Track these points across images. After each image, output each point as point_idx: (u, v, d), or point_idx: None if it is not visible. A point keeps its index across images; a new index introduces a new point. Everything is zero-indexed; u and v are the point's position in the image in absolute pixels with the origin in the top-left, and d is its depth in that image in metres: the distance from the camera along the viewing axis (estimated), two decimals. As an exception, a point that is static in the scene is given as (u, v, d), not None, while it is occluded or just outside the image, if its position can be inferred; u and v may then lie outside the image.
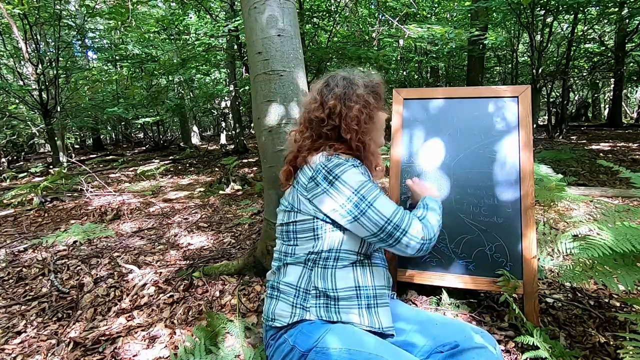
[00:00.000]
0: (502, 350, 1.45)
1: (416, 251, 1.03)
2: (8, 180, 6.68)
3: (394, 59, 6.78)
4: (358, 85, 1.12)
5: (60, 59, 7.61)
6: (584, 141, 7.49)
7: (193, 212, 3.87)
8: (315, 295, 1.03)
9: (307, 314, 1.01)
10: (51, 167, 7.27)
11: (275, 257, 1.16)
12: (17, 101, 8.42)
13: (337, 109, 1.10)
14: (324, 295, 1.03)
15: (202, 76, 11.32)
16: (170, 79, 10.35)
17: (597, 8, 7.18)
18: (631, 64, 10.33)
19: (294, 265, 1.07)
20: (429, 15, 8.87)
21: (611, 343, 1.48)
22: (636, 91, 15.98)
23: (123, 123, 13.62)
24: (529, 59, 7.97)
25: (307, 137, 1.13)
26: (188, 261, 2.52)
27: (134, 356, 1.58)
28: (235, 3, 6.91)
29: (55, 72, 7.32)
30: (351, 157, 1.11)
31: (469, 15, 7.48)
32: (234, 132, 10.13)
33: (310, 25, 7.05)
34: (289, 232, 1.10)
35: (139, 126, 13.88)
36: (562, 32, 9.02)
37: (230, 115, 10.48)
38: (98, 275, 2.37)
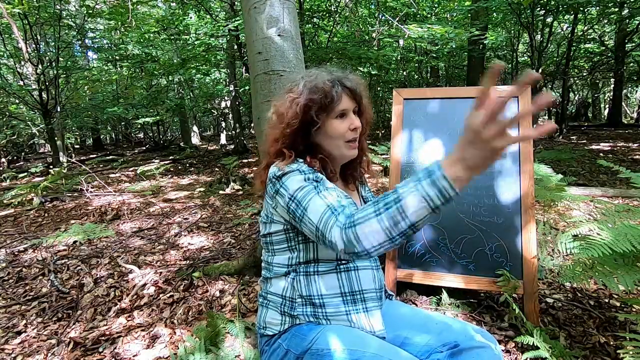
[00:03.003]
0: (502, 350, 1.45)
1: (346, 256, 0.81)
2: (8, 180, 6.68)
3: (394, 59, 6.78)
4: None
5: (60, 59, 7.61)
6: (584, 141, 7.49)
7: (193, 212, 3.87)
8: (301, 303, 1.01)
9: (297, 321, 1.01)
10: (51, 167, 7.26)
11: (262, 266, 1.14)
12: (17, 101, 8.42)
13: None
14: (310, 303, 1.01)
15: (202, 76, 11.31)
16: (170, 79, 10.34)
17: (597, 8, 7.18)
18: (631, 64, 10.33)
19: (277, 277, 1.06)
20: (429, 15, 8.86)
21: (611, 343, 1.48)
22: (636, 91, 15.99)
23: (123, 123, 13.61)
24: (529, 59, 7.97)
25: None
26: (188, 261, 2.52)
27: (134, 356, 1.58)
28: (235, 3, 6.92)
29: (55, 72, 7.32)
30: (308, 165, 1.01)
31: (469, 15, 7.47)
32: (234, 132, 10.12)
33: (310, 25, 7.06)
34: (267, 244, 1.08)
35: (139, 126, 13.88)
36: (562, 32, 9.03)
37: (230, 115, 10.48)
38: (98, 275, 2.37)
